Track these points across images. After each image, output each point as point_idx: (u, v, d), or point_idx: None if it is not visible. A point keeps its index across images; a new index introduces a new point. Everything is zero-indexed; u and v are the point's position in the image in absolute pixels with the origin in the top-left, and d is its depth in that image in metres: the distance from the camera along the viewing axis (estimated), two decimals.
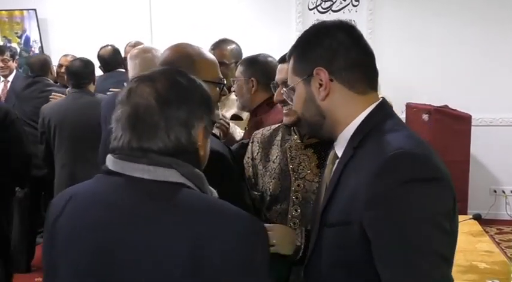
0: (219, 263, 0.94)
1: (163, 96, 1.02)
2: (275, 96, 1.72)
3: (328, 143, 1.49)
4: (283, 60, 1.68)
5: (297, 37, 1.30)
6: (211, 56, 1.64)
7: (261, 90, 2.22)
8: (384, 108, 1.21)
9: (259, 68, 2.24)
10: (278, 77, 1.72)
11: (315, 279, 1.24)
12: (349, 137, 1.19)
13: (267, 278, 1.00)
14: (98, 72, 3.92)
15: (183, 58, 1.54)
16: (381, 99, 1.23)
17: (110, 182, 1.03)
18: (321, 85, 1.19)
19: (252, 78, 2.23)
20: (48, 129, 3.30)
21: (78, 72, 3.31)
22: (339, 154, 1.22)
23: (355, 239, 1.08)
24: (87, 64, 3.37)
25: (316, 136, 1.50)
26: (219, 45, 2.85)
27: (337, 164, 1.22)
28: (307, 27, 1.30)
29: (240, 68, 2.30)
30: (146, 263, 0.95)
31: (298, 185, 1.70)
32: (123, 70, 3.81)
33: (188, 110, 1.03)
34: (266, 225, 1.41)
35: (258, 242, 0.99)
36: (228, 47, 2.85)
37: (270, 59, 2.27)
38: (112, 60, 4.00)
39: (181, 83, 1.06)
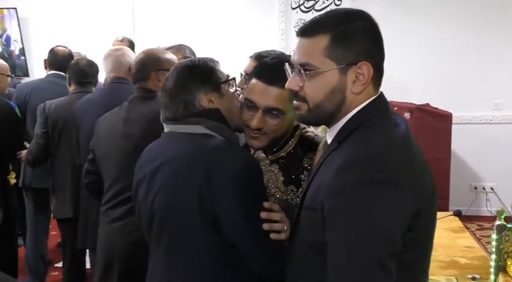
0: (219, 190, 1.37)
1: (171, 85, 1.52)
2: (256, 122, 1.52)
3: (293, 157, 1.60)
4: (272, 81, 1.49)
5: (293, 32, 1.25)
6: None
7: None
8: (378, 103, 1.19)
9: None
10: (263, 103, 1.51)
11: (294, 254, 1.27)
12: (339, 128, 1.19)
13: (258, 206, 1.39)
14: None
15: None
16: (379, 93, 1.20)
17: (167, 135, 1.58)
18: (356, 78, 1.14)
19: None
20: (52, 129, 3.21)
21: (83, 71, 3.24)
22: (329, 142, 1.22)
23: (319, 224, 1.11)
24: (92, 64, 3.31)
25: (315, 124, 1.45)
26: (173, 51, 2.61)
27: (323, 153, 1.23)
28: (290, 26, 1.26)
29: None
30: (174, 184, 1.45)
31: None
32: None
33: (187, 91, 1.50)
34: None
35: (248, 178, 1.40)
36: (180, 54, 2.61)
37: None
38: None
39: (184, 73, 1.53)
